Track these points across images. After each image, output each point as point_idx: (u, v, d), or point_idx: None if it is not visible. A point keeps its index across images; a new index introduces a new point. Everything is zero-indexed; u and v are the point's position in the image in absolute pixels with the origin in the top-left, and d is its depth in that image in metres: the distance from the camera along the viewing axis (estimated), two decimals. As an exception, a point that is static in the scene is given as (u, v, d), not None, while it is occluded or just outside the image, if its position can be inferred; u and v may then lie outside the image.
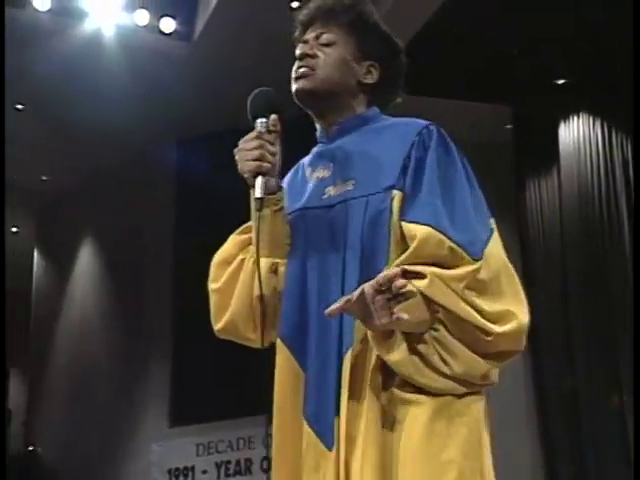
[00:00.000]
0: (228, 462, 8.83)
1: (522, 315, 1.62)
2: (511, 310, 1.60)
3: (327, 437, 1.64)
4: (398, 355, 1.57)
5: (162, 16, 7.71)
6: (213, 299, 1.86)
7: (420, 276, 1.56)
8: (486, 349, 1.58)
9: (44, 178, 10.76)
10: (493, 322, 1.58)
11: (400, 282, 1.48)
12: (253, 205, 1.72)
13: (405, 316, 1.48)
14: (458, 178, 1.66)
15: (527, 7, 6.81)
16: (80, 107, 8.81)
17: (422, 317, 1.56)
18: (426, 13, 6.80)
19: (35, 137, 9.58)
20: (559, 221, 7.70)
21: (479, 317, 1.57)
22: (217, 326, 1.85)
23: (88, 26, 7.64)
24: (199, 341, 9.27)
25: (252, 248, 1.78)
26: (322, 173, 1.79)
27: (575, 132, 7.79)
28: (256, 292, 1.74)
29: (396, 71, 1.87)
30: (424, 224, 1.60)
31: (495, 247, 1.65)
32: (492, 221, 1.70)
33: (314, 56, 1.81)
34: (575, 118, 7.82)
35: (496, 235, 1.67)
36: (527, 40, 7.20)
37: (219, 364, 8.93)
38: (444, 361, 1.56)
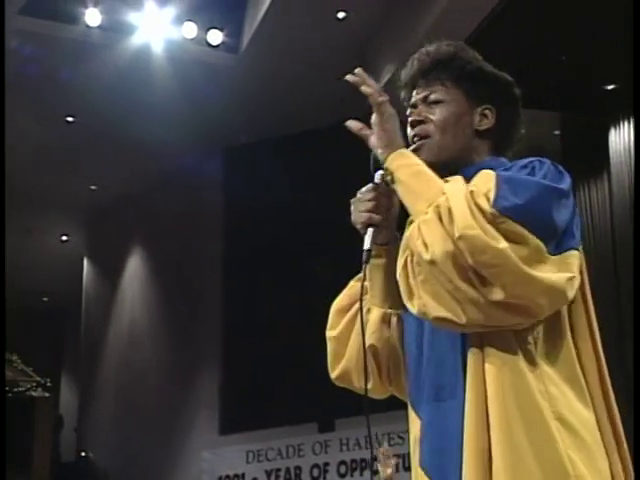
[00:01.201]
0: (278, 470, 8.87)
1: (532, 270, 1.50)
2: (508, 247, 1.50)
3: None
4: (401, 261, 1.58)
5: (209, 29, 7.80)
6: (330, 347, 1.83)
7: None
8: (456, 242, 1.50)
9: (93, 188, 10.90)
10: (475, 229, 1.50)
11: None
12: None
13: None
14: (554, 192, 1.59)
15: (576, 12, 6.76)
16: (129, 119, 8.92)
17: (432, 192, 1.58)
18: (474, 21, 6.78)
19: (85, 148, 9.72)
20: (610, 228, 7.61)
21: (470, 217, 1.51)
22: (333, 374, 1.83)
23: (137, 40, 7.75)
24: (249, 349, 9.37)
25: (368, 297, 1.77)
26: None
27: (626, 138, 7.69)
28: (367, 343, 1.74)
29: (512, 106, 1.81)
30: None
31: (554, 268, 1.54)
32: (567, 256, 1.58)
33: (425, 121, 1.76)
34: (625, 123, 7.73)
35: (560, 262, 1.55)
36: (576, 46, 7.14)
37: (269, 372, 8.98)
38: (425, 245, 1.53)
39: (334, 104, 8.51)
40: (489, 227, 1.51)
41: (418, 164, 1.64)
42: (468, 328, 1.54)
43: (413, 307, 1.56)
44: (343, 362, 1.79)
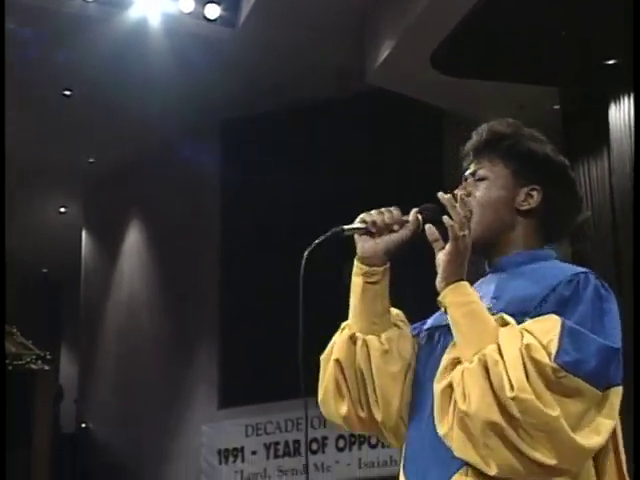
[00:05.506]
0: (277, 443, 8.93)
1: (578, 436, 1.52)
2: (562, 417, 1.51)
3: None
4: (443, 384, 1.61)
5: (207, 2, 7.73)
6: (320, 370, 1.84)
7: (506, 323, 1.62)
8: (506, 404, 1.51)
9: (91, 160, 10.90)
10: (529, 392, 1.51)
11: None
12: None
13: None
14: (606, 324, 1.62)
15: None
16: (126, 92, 8.90)
17: (482, 338, 1.59)
18: (473, -3, 6.71)
19: (82, 121, 9.70)
20: (610, 204, 7.58)
21: (524, 378, 1.52)
22: (319, 405, 1.83)
23: (134, 14, 7.70)
24: (247, 322, 9.40)
25: (350, 322, 1.79)
26: None
27: (626, 113, 7.64)
28: (334, 356, 1.76)
29: (562, 189, 1.80)
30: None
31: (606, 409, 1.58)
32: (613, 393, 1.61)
33: (469, 195, 1.79)
34: (626, 98, 7.68)
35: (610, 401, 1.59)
36: (575, 20, 7.08)
37: (267, 346, 9.01)
38: (464, 395, 1.55)
39: (333, 78, 8.48)
40: (544, 390, 1.52)
41: (472, 302, 1.63)
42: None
43: (441, 428, 1.58)
44: (321, 388, 1.80)
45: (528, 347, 1.54)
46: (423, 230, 1.71)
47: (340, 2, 7.50)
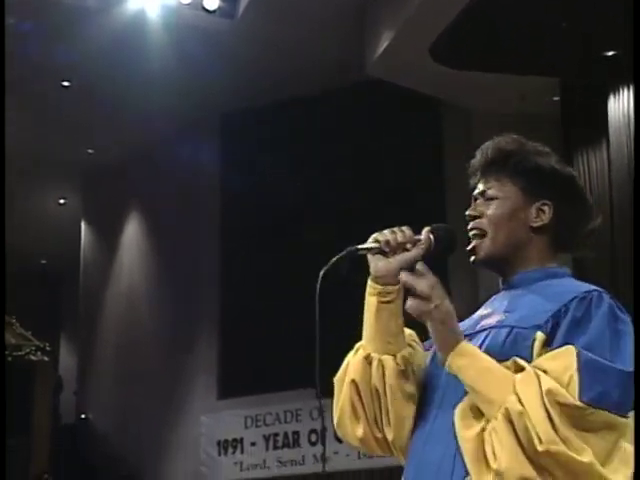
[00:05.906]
0: (276, 435, 8.95)
1: (608, 471, 1.54)
2: (594, 461, 1.53)
3: None
4: (469, 433, 1.61)
5: (206, -7, 7.71)
6: (335, 392, 1.84)
7: (521, 368, 1.62)
8: (537, 458, 1.54)
9: (90, 151, 10.88)
10: (558, 443, 1.52)
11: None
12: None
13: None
14: (622, 347, 1.63)
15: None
16: (125, 83, 8.89)
17: (500, 392, 1.60)
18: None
19: (81, 112, 9.69)
20: (608, 195, 7.59)
21: (550, 428, 1.53)
22: (335, 427, 1.83)
23: (132, 5, 7.68)
24: (248, 313, 9.41)
25: (364, 342, 1.79)
26: (486, 311, 1.81)
27: (625, 104, 7.63)
28: (350, 377, 1.76)
29: (572, 201, 1.82)
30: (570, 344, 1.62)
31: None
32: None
33: (481, 215, 1.81)
34: (625, 90, 7.67)
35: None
36: (576, 12, 7.07)
37: (267, 337, 9.02)
38: (494, 455, 1.56)
39: (332, 69, 8.46)
40: (572, 435, 1.53)
41: (476, 361, 1.64)
42: None
43: (485, 474, 1.58)
44: (337, 410, 1.79)
45: (549, 392, 1.55)
46: (435, 248, 1.72)
47: (340, -7, 7.49)
